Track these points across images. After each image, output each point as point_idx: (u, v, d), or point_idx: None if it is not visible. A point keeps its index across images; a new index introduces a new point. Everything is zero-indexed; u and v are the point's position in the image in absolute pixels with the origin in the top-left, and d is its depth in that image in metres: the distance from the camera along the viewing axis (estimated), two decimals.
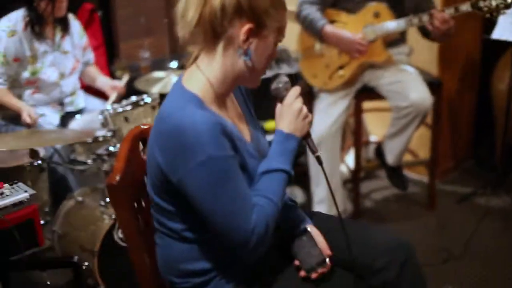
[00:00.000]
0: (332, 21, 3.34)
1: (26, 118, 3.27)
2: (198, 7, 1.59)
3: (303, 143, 1.77)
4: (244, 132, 1.78)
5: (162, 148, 1.59)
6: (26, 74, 3.41)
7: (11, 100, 3.38)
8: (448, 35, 3.14)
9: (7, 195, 2.19)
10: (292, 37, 3.61)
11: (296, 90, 1.74)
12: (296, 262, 1.80)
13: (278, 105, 1.75)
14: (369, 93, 3.46)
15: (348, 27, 3.31)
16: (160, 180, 1.63)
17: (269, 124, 3.86)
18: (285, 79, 1.75)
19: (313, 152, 1.76)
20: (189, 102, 1.60)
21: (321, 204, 3.53)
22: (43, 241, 2.24)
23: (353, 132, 3.75)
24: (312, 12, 3.31)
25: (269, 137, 3.75)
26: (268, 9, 1.61)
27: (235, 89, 1.83)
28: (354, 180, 3.72)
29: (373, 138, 4.28)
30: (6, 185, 2.25)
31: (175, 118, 1.56)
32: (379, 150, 3.62)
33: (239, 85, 1.81)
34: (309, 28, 3.34)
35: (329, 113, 3.41)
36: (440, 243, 3.41)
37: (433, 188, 3.76)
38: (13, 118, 3.44)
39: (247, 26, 1.60)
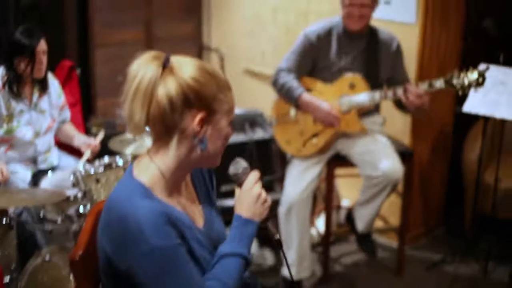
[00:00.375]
0: (307, 90, 3.41)
1: None
2: (144, 108, 1.58)
3: (261, 226, 1.76)
4: (197, 217, 1.76)
5: (108, 237, 1.59)
6: (0, 132, 3.40)
7: None
8: (423, 109, 3.23)
9: None
10: (268, 102, 3.68)
11: (254, 175, 1.75)
12: None
13: (237, 190, 1.76)
14: (341, 160, 3.51)
15: (323, 97, 3.37)
16: (108, 266, 1.62)
17: None
18: (244, 164, 1.76)
19: (273, 235, 1.76)
20: (134, 192, 1.60)
21: (291, 268, 3.53)
22: None
23: (324, 197, 3.77)
24: (289, 80, 3.37)
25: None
26: (216, 94, 1.63)
27: (195, 170, 1.82)
28: (324, 244, 3.73)
29: (346, 202, 4.31)
30: None
31: (119, 208, 1.56)
32: (350, 216, 3.65)
33: (197, 167, 1.80)
34: (286, 95, 3.40)
35: (301, 178, 3.45)
36: None
37: (402, 254, 3.79)
38: None
39: (199, 116, 1.61)
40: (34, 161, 3.58)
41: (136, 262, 1.54)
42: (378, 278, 3.79)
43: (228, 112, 1.66)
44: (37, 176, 3.52)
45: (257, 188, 1.73)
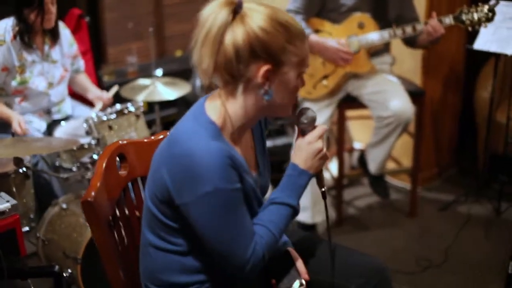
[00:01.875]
0: (316, 31, 3.38)
1: (16, 127, 3.29)
2: (212, 56, 1.58)
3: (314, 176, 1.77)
4: (251, 163, 1.79)
5: (171, 170, 1.60)
6: (14, 83, 3.42)
7: (1, 109, 3.40)
8: (436, 42, 3.24)
9: None
10: None
11: (321, 129, 1.74)
12: (273, 281, 1.83)
13: (299, 139, 1.75)
14: (352, 102, 3.51)
15: (332, 37, 3.34)
16: (164, 197, 1.65)
17: None
18: (313, 114, 1.73)
19: (320, 187, 1.79)
20: (205, 129, 1.61)
21: (304, 212, 3.57)
22: (25, 250, 2.26)
23: (336, 140, 3.78)
24: (297, 21, 3.33)
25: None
26: (284, 45, 1.58)
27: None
28: (337, 187, 3.76)
29: (358, 145, 4.32)
30: None
31: (189, 143, 1.58)
32: (362, 159, 3.66)
33: (267, 116, 1.81)
34: None
35: None
36: (421, 251, 3.46)
37: (415, 195, 3.81)
38: (1, 126, 3.46)
39: (264, 68, 1.58)
40: (48, 111, 3.60)
41: (195, 200, 1.57)
42: (391, 220, 3.82)
43: (299, 64, 1.63)
44: (52, 126, 3.57)
45: (319, 144, 1.72)
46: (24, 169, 2.99)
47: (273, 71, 1.60)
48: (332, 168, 4.12)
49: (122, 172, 1.88)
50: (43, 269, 2.45)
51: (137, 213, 1.95)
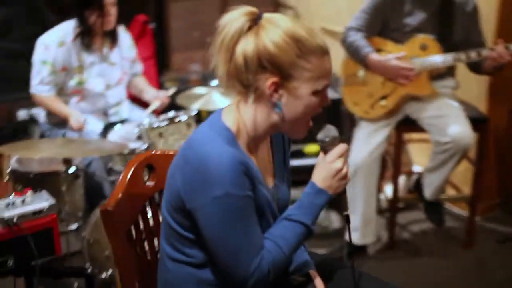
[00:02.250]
0: (377, 50, 3.29)
1: (74, 123, 3.36)
2: (225, 63, 1.59)
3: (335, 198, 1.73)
4: (268, 175, 1.76)
5: (184, 173, 1.60)
6: (72, 83, 3.50)
7: (60, 106, 3.48)
8: (501, 69, 3.13)
9: (28, 203, 2.25)
10: (337, 62, 3.58)
11: (341, 148, 1.68)
12: None
13: (321, 155, 1.71)
14: (411, 124, 3.40)
15: None
16: (177, 203, 1.64)
17: (308, 148, 3.83)
18: (334, 132, 1.69)
19: (345, 210, 1.74)
20: (220, 135, 1.61)
21: (355, 232, 3.48)
22: (60, 250, 2.28)
23: (393, 162, 3.67)
24: (358, 39, 3.27)
25: (307, 161, 3.73)
26: (294, 60, 1.56)
27: (277, 133, 1.79)
28: (391, 210, 3.65)
29: (417, 168, 4.19)
30: (30, 192, 2.31)
31: (203, 148, 1.57)
32: (418, 183, 3.54)
33: (281, 132, 1.77)
34: (354, 54, 3.30)
35: (368, 142, 3.36)
36: (473, 284, 3.31)
37: (473, 225, 3.65)
38: (59, 123, 3.53)
39: (271, 80, 1.58)
40: (105, 113, 3.66)
41: (205, 204, 1.55)
42: (445, 249, 3.67)
43: (313, 80, 1.58)
44: (108, 128, 3.61)
45: (339, 163, 1.66)
46: (74, 169, 3.04)
47: (281, 84, 1.58)
48: (387, 191, 4.00)
49: (149, 183, 1.86)
50: (76, 270, 2.46)
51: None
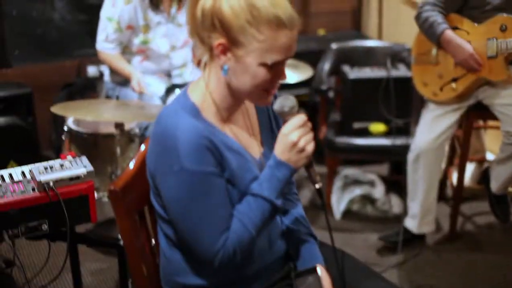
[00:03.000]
0: (453, 28, 3.07)
1: (135, 85, 3.34)
2: (190, 12, 1.56)
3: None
4: (253, 148, 1.69)
5: (150, 150, 1.59)
6: (137, 42, 3.47)
7: (123, 66, 3.47)
8: None
9: (66, 168, 2.23)
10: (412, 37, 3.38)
11: (298, 119, 1.57)
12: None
13: (283, 126, 1.61)
14: (482, 111, 3.18)
15: (470, 37, 3.03)
16: (153, 183, 1.62)
17: (375, 127, 3.66)
18: (291, 102, 1.59)
19: (313, 183, 1.62)
20: (184, 108, 1.57)
21: (413, 220, 3.34)
22: (96, 218, 2.25)
23: (461, 148, 3.46)
24: (434, 15, 3.06)
25: (373, 140, 3.55)
26: (245, 28, 1.49)
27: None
28: (454, 199, 3.46)
29: (491, 156, 3.94)
30: (69, 157, 2.29)
31: (165, 122, 1.55)
32: (486, 174, 3.32)
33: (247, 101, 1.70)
34: (428, 31, 3.09)
35: (435, 126, 3.17)
36: None
37: None
38: (121, 82, 3.53)
39: (218, 41, 1.52)
40: (168, 74, 3.63)
41: (165, 178, 1.54)
42: (509, 247, 3.45)
43: (262, 52, 1.50)
44: (170, 91, 3.57)
45: (294, 136, 1.55)
46: (129, 132, 3.03)
47: (229, 48, 1.52)
48: (454, 178, 3.79)
49: None
50: (108, 240, 2.44)
51: None
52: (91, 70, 4.21)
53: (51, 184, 2.15)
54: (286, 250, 1.78)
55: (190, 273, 1.66)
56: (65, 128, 3.15)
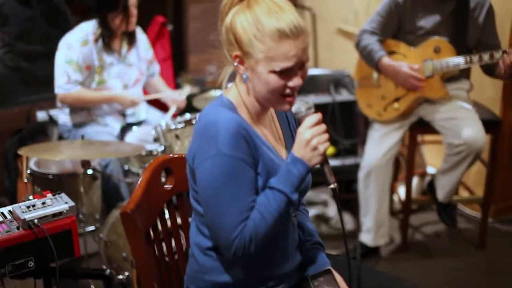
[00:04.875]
0: (391, 52, 3.32)
1: (126, 101, 3.48)
2: (219, 33, 1.75)
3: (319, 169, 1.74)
4: (280, 150, 1.84)
5: (191, 145, 1.74)
6: (93, 85, 3.56)
7: (96, 93, 3.54)
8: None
9: (48, 205, 2.30)
10: (353, 63, 3.61)
11: (313, 118, 1.70)
12: None
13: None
14: (425, 126, 3.42)
15: (407, 60, 3.28)
16: (193, 177, 1.75)
17: None
18: (308, 104, 1.73)
19: (328, 183, 1.73)
20: (221, 105, 1.74)
21: (368, 233, 3.52)
22: (79, 252, 2.32)
23: (406, 163, 3.70)
24: (372, 42, 3.30)
25: None
26: (251, 39, 1.67)
27: (280, 112, 1.90)
28: (404, 211, 3.68)
29: (431, 170, 4.21)
30: (49, 195, 2.36)
31: (206, 116, 1.72)
32: (431, 185, 3.57)
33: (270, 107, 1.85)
34: (367, 58, 3.34)
35: (382, 143, 3.39)
36: (486, 286, 3.33)
37: (486, 226, 3.66)
38: (79, 124, 3.60)
39: (234, 53, 1.71)
40: (122, 113, 3.71)
41: (202, 164, 1.67)
42: (458, 250, 3.69)
43: (267, 61, 1.67)
44: (125, 130, 3.67)
45: (309, 133, 1.67)
46: (92, 171, 3.10)
47: (243, 59, 1.70)
48: (401, 192, 4.03)
49: (167, 186, 1.91)
50: (94, 271, 2.51)
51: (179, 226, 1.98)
52: (41, 115, 4.25)
53: (36, 221, 2.22)
54: (301, 260, 1.93)
55: (220, 271, 1.78)
56: (28, 171, 3.19)
